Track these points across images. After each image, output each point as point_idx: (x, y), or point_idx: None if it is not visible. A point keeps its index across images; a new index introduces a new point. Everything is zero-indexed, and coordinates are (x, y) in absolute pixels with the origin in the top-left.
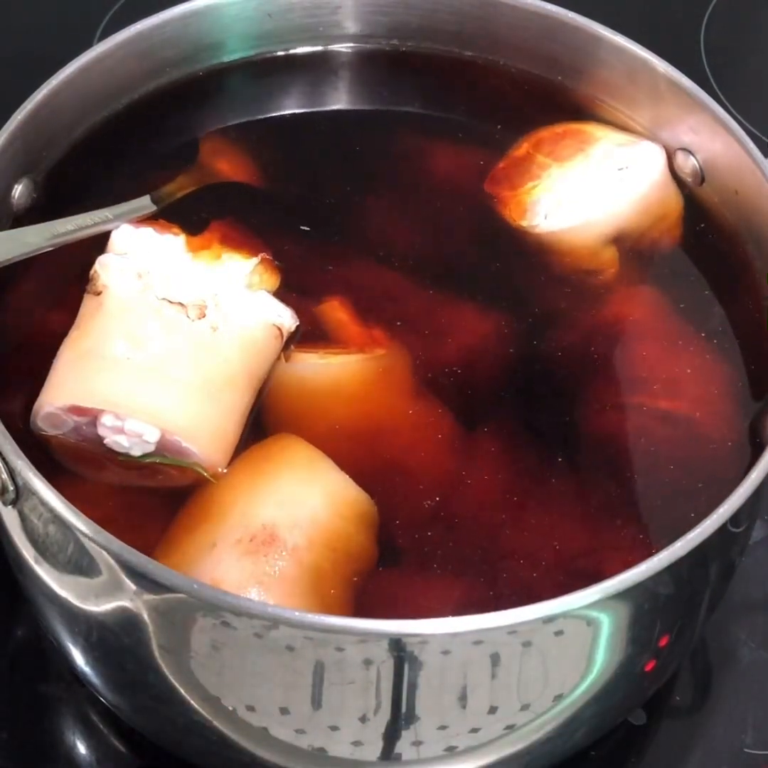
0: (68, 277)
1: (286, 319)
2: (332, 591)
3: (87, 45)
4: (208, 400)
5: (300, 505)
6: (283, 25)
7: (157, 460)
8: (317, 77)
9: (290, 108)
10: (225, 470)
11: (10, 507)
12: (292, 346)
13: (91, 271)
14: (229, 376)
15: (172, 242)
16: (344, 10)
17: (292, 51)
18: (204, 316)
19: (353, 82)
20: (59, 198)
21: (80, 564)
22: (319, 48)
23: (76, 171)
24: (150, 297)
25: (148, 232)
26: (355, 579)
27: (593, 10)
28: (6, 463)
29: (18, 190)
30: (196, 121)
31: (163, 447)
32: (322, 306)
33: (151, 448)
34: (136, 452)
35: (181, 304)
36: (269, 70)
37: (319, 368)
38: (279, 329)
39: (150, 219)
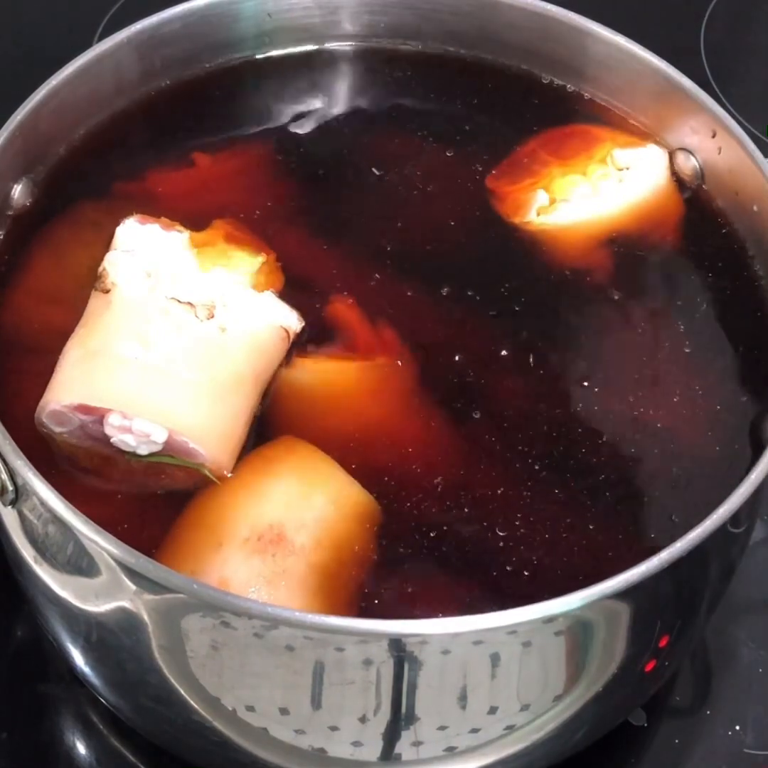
0: (68, 276)
1: (293, 321)
2: (338, 590)
3: (87, 45)
4: (216, 402)
5: (306, 506)
6: (283, 25)
7: (163, 460)
8: (317, 77)
9: (291, 108)
10: (230, 472)
11: (9, 507)
12: (294, 351)
13: (100, 269)
14: (237, 378)
15: (177, 239)
16: (344, 10)
17: (292, 51)
18: (213, 317)
19: (353, 81)
20: (59, 198)
21: (80, 564)
22: (318, 48)
23: (76, 171)
24: (159, 296)
25: (153, 228)
26: (360, 578)
27: (593, 10)
28: (6, 463)
29: (18, 190)
30: (196, 121)
31: (169, 447)
32: (330, 308)
33: (158, 448)
34: (143, 451)
35: (190, 304)
36: (269, 70)
37: (315, 375)
38: (286, 331)
39: (153, 216)
